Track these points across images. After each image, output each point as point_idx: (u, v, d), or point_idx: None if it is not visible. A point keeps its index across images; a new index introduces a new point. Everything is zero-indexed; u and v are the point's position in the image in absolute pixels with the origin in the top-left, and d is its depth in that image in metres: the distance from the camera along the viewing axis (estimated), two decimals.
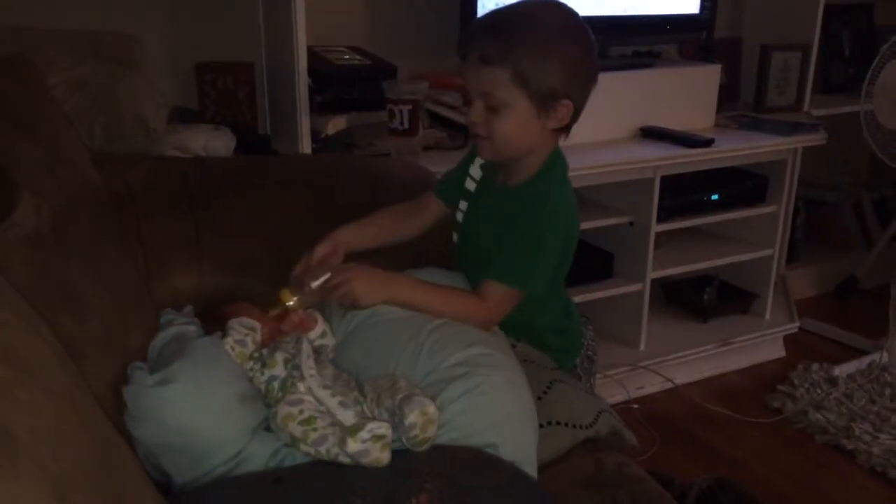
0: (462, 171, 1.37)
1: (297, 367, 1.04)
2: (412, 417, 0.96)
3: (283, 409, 0.98)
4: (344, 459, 0.94)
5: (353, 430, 0.94)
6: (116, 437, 0.81)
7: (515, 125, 1.18)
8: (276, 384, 1.04)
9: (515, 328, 1.24)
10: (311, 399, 1.00)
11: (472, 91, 1.19)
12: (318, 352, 1.13)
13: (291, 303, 1.14)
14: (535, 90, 1.15)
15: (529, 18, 1.16)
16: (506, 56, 1.13)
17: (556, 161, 1.25)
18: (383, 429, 0.94)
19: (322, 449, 0.95)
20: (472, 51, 1.16)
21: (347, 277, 1.16)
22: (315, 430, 0.95)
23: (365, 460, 0.94)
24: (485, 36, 1.16)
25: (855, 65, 2.79)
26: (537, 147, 1.22)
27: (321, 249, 1.23)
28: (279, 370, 1.05)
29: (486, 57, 1.15)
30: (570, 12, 1.20)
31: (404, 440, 0.97)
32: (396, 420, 0.97)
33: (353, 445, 0.93)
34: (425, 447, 0.97)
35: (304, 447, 0.96)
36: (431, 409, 0.97)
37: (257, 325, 1.12)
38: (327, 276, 1.17)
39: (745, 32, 2.67)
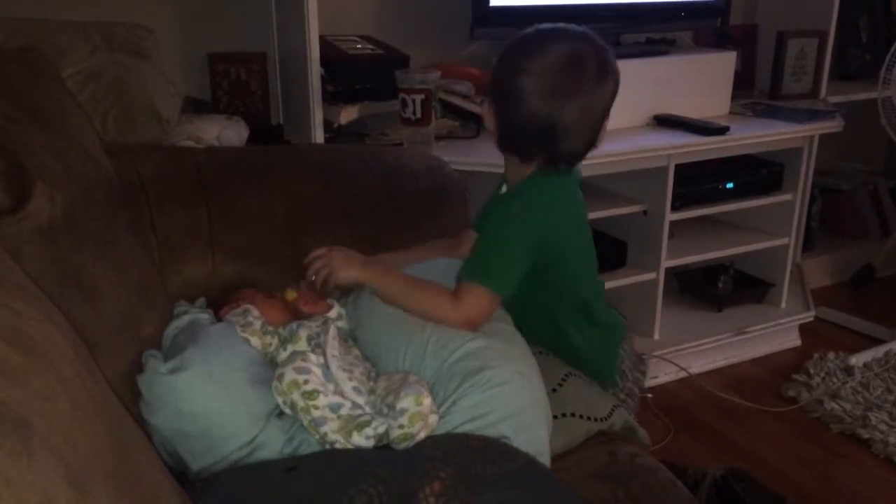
0: (491, 197, 1.33)
1: (320, 346, 1.05)
2: (405, 402, 0.96)
3: (289, 374, 0.99)
4: (339, 447, 0.96)
5: (361, 426, 0.96)
6: (131, 423, 0.82)
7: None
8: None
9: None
10: (318, 373, 1.00)
11: None
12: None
13: (292, 298, 1.20)
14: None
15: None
16: None
17: (552, 172, 1.20)
18: (383, 426, 0.97)
19: (322, 429, 0.96)
20: None
21: (325, 251, 1.22)
22: (316, 407, 0.97)
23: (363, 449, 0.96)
24: None
25: (872, 51, 2.76)
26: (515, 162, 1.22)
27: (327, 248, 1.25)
28: (302, 347, 1.07)
29: None
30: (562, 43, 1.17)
31: (391, 432, 0.96)
32: (387, 408, 0.97)
33: (357, 438, 0.96)
34: (404, 445, 0.97)
35: (304, 418, 0.97)
36: (427, 400, 0.97)
37: (247, 305, 1.14)
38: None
39: (760, 19, 2.64)
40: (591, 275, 1.31)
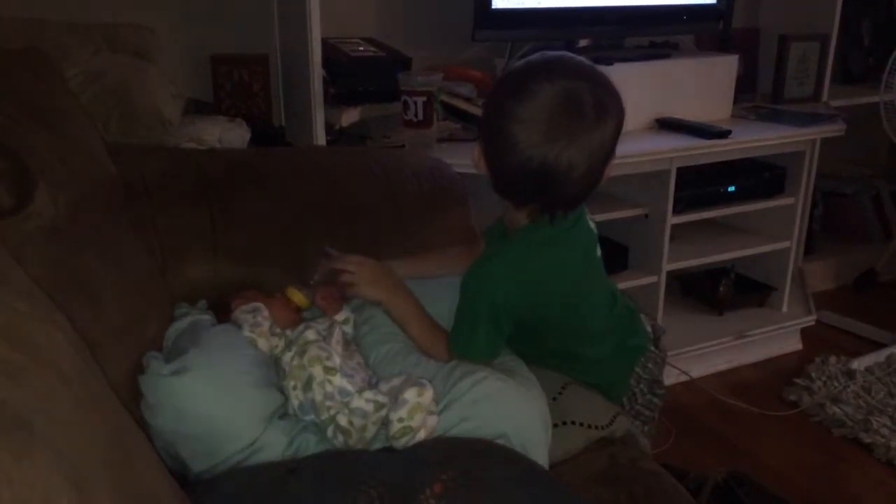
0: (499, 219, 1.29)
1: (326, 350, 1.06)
2: (407, 394, 0.97)
3: (313, 350, 1.02)
4: (340, 419, 0.98)
5: (361, 391, 0.99)
6: (132, 424, 0.82)
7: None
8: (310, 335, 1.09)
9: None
10: (337, 359, 1.03)
11: None
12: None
13: (296, 298, 1.19)
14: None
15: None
16: None
17: (546, 221, 1.12)
18: (384, 397, 0.99)
19: (328, 403, 0.99)
20: None
21: (359, 262, 1.19)
22: (331, 383, 1.00)
23: (358, 422, 0.97)
24: None
25: (874, 55, 2.76)
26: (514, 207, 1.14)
27: (329, 248, 1.24)
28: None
29: None
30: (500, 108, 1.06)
31: (389, 427, 0.97)
32: (391, 402, 0.98)
33: (358, 401, 0.98)
34: (403, 441, 0.97)
35: (318, 392, 0.99)
36: (428, 394, 0.98)
37: (258, 303, 1.14)
38: (327, 268, 1.20)
39: (762, 22, 2.64)
40: (587, 322, 1.22)
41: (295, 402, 1.01)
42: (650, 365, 1.29)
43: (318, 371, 1.00)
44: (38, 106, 1.12)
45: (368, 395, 0.99)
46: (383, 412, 0.99)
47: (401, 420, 0.96)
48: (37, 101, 1.13)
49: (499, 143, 1.06)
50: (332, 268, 1.20)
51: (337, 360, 1.02)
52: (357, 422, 0.97)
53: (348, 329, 1.18)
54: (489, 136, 1.09)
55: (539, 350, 1.21)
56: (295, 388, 1.01)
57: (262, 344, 1.09)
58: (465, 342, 1.13)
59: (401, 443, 0.97)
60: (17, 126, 1.03)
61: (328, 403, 0.98)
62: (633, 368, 1.27)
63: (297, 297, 1.19)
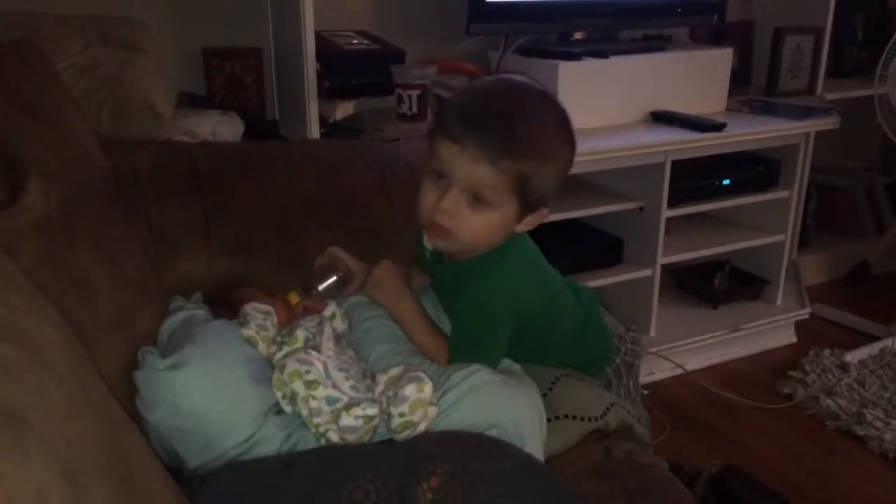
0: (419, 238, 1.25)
1: (317, 348, 1.05)
2: (407, 390, 0.96)
3: (291, 364, 0.99)
4: (332, 436, 0.96)
5: (349, 407, 0.97)
6: (126, 419, 0.81)
7: (489, 225, 1.07)
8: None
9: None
10: (320, 367, 1.01)
11: (454, 179, 1.03)
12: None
13: (295, 301, 1.18)
14: (529, 200, 1.06)
15: (541, 122, 1.05)
16: (515, 162, 1.01)
17: (512, 242, 1.13)
18: (373, 409, 0.97)
19: (316, 420, 0.97)
20: (474, 142, 1.01)
21: (373, 267, 1.19)
22: (314, 398, 0.97)
23: (351, 437, 0.96)
24: (493, 131, 1.01)
25: (868, 48, 2.77)
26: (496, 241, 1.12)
27: (336, 250, 1.22)
28: (299, 347, 1.07)
29: (493, 158, 1.01)
30: (566, 113, 1.09)
31: (391, 421, 0.97)
32: (391, 396, 0.98)
33: (346, 419, 0.96)
34: (405, 435, 0.97)
35: (303, 408, 0.97)
36: (428, 388, 0.98)
37: (271, 308, 1.13)
38: (334, 279, 1.19)
39: (757, 15, 2.65)
40: (559, 299, 1.23)
41: (287, 409, 1.00)
42: (606, 317, 1.32)
43: (299, 387, 0.98)
44: (30, 99, 1.11)
45: (357, 411, 0.97)
46: (375, 422, 0.98)
47: (402, 415, 0.96)
48: (28, 94, 1.12)
49: (551, 176, 1.07)
50: (339, 272, 1.20)
51: (320, 369, 1.00)
52: (349, 437, 0.97)
53: (338, 323, 1.17)
54: (560, 190, 1.09)
55: (529, 345, 1.21)
56: (284, 397, 1.00)
57: (262, 347, 1.08)
58: (470, 355, 1.11)
59: (402, 436, 0.97)
60: (9, 119, 1.02)
61: (316, 420, 0.97)
62: (595, 318, 1.28)
63: (297, 300, 1.19)
